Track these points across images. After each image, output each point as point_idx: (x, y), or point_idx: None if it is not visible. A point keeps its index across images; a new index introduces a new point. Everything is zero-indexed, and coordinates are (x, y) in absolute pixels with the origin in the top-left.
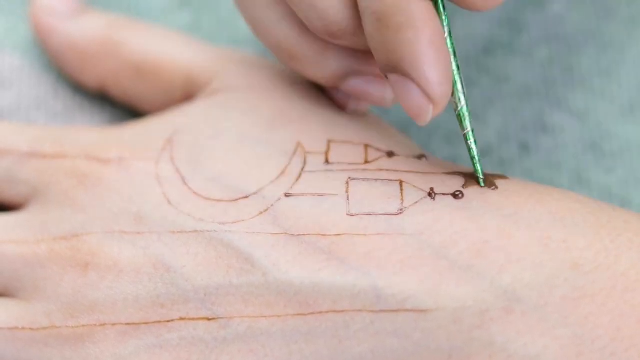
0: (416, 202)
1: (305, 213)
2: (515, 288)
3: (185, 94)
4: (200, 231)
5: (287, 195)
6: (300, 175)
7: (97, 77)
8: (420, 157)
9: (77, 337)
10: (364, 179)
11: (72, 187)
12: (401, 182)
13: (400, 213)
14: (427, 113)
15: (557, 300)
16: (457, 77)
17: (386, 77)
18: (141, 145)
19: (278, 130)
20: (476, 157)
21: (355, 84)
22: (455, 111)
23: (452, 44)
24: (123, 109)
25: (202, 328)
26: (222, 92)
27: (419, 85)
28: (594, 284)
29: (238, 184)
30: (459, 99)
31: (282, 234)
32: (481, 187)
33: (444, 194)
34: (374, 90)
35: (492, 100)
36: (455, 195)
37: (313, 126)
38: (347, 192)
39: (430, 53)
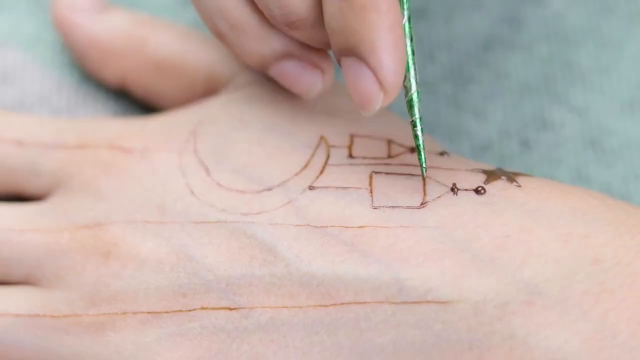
0: (439, 197)
1: (328, 205)
2: (537, 282)
3: (207, 91)
4: (224, 222)
5: (310, 188)
6: (323, 168)
7: (119, 74)
8: (442, 153)
9: (98, 326)
10: (387, 173)
11: (95, 177)
12: (424, 177)
13: (424, 207)
14: (377, 101)
15: (577, 295)
16: (410, 63)
17: (339, 62)
18: (165, 136)
19: (302, 124)
20: (421, 146)
21: (288, 67)
22: (406, 97)
23: (410, 28)
24: (126, 104)
25: (224, 317)
26: (246, 86)
27: (372, 71)
28: (614, 280)
29: (262, 176)
30: (411, 86)
31: (304, 225)
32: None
33: (466, 190)
34: (305, 77)
35: (493, 97)
36: (478, 191)
37: (336, 120)
38: (370, 185)
39: (389, 39)
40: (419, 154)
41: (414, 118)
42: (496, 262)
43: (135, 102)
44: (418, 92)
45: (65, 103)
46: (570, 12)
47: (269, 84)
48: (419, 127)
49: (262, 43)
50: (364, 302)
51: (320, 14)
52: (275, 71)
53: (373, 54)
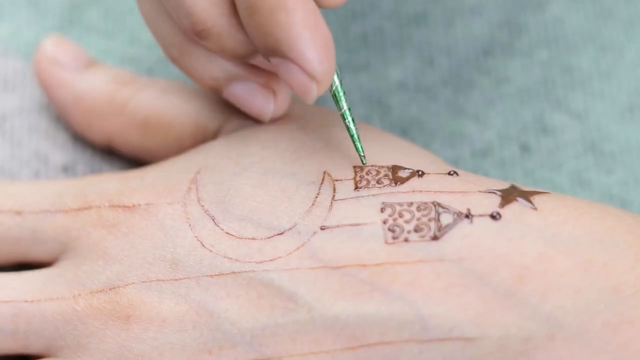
0: (454, 226)
1: (342, 245)
2: (557, 315)
3: (195, 143)
4: (238, 272)
5: (322, 228)
6: (331, 204)
7: (104, 134)
8: (451, 173)
9: None
10: (397, 204)
11: (101, 238)
12: (436, 204)
13: (439, 238)
14: (312, 91)
15: (598, 327)
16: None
17: (269, 61)
18: (166, 188)
19: (303, 162)
20: (355, 136)
21: (239, 90)
22: (330, 91)
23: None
24: None
25: None
26: (241, 128)
27: (299, 66)
28: (634, 309)
29: (270, 220)
30: (333, 80)
31: (321, 267)
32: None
33: (481, 215)
34: (257, 99)
35: (493, 102)
36: (493, 217)
37: (337, 153)
38: (382, 219)
39: (305, 33)
40: (355, 144)
41: (342, 111)
42: (517, 296)
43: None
44: (341, 83)
45: None
46: (569, 17)
47: (263, 124)
48: (349, 119)
49: (211, 66)
50: (390, 342)
51: (235, 22)
52: (227, 94)
53: (293, 51)
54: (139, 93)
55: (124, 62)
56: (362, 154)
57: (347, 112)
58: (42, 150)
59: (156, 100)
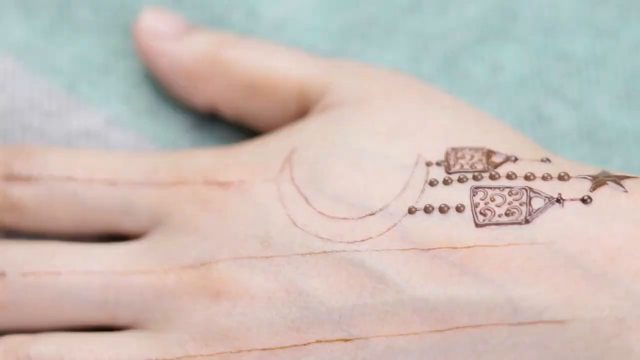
0: (545, 210)
1: (433, 227)
2: None
3: (300, 108)
4: (330, 252)
5: (413, 209)
6: (423, 187)
7: (208, 98)
8: (545, 159)
9: None
10: (489, 187)
11: (194, 214)
12: (527, 189)
13: (530, 222)
14: None
15: None
16: None
17: None
18: (260, 166)
19: (396, 143)
20: None
21: None
22: None
23: None
24: (120, 109)
25: (340, 350)
26: (336, 107)
27: None
28: None
29: (363, 200)
30: None
31: (411, 249)
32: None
33: (572, 200)
34: None
35: (488, 91)
36: (584, 201)
37: (431, 136)
38: (472, 202)
39: None
40: None
41: None
42: (609, 276)
43: (140, 108)
44: None
45: (57, 107)
46: (564, 2)
47: (359, 102)
48: None
49: None
50: (480, 325)
51: None
52: None
53: None
54: (243, 54)
55: (117, 59)
56: None
57: None
58: None
59: (262, 62)
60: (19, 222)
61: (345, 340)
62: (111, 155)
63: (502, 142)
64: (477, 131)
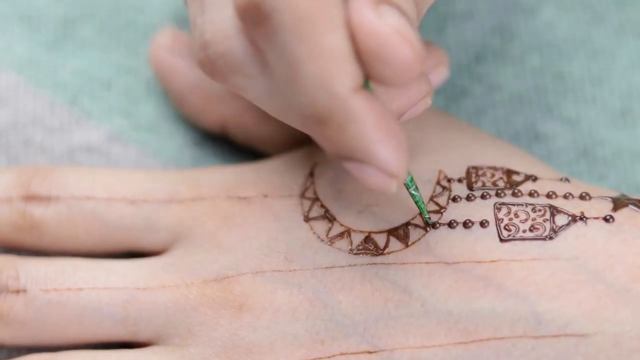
0: (569, 227)
1: (458, 241)
2: None
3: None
4: (353, 265)
5: (437, 224)
6: (447, 202)
7: (219, 119)
8: (564, 179)
9: None
10: (512, 204)
11: (216, 229)
12: (550, 207)
13: (554, 238)
14: (391, 186)
15: None
16: None
17: (342, 165)
18: (282, 181)
19: (418, 160)
20: (420, 201)
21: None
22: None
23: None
24: (122, 124)
25: None
26: None
27: (377, 168)
28: None
29: (386, 215)
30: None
31: (436, 263)
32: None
33: (595, 218)
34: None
35: (485, 109)
36: (607, 220)
37: (452, 153)
38: (496, 218)
39: (379, 137)
40: (420, 207)
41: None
42: (631, 292)
43: (141, 124)
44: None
45: (59, 123)
46: (560, 22)
47: None
48: (412, 187)
49: None
50: (503, 338)
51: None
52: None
53: (371, 157)
54: None
55: (120, 74)
56: (428, 216)
57: (410, 182)
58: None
59: None
60: (40, 242)
61: (370, 352)
62: (130, 173)
63: (520, 162)
64: (495, 152)
